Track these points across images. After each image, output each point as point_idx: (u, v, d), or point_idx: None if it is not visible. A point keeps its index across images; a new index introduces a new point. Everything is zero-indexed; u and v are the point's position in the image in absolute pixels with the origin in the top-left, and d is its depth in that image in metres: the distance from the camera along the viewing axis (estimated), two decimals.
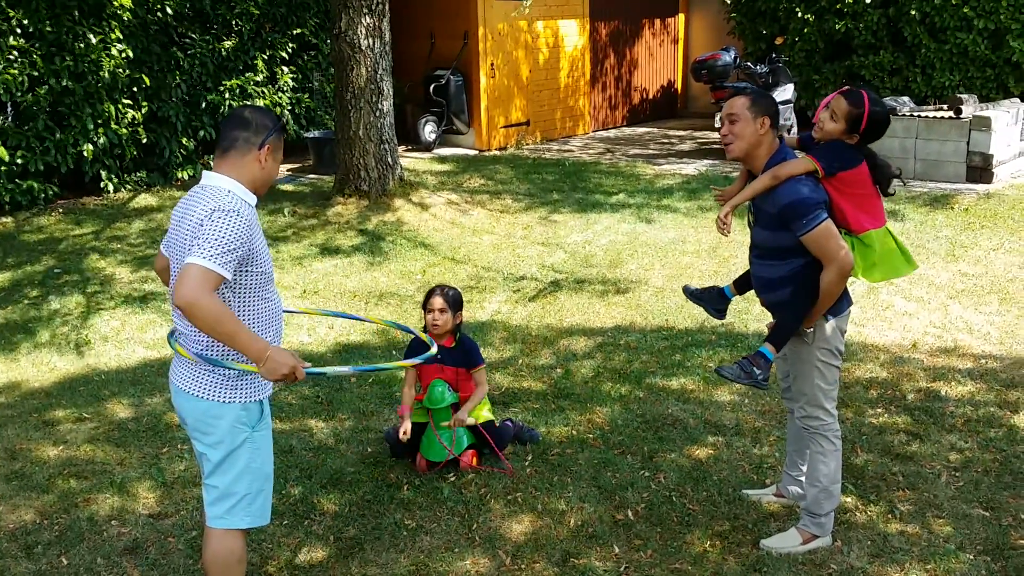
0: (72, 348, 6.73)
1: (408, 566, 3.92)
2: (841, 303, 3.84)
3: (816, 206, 3.65)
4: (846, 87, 3.88)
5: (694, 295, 4.41)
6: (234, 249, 3.02)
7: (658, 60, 17.10)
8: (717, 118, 12.63)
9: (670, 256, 8.47)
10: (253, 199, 3.25)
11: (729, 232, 3.79)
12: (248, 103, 2.97)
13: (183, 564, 3.97)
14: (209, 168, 3.28)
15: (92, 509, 4.44)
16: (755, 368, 3.74)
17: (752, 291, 4.15)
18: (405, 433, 4.67)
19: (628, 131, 15.98)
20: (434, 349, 3.74)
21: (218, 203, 3.07)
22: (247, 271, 3.15)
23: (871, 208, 3.81)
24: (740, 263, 7.19)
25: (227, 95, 11.71)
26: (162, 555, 4.05)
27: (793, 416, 4.20)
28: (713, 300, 4.33)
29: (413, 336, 4.57)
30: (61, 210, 10.17)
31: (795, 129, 13.83)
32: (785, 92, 12.96)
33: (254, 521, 3.32)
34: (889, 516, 4.22)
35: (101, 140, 10.39)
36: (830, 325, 3.83)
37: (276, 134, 3.27)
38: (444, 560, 3.96)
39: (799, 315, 3.79)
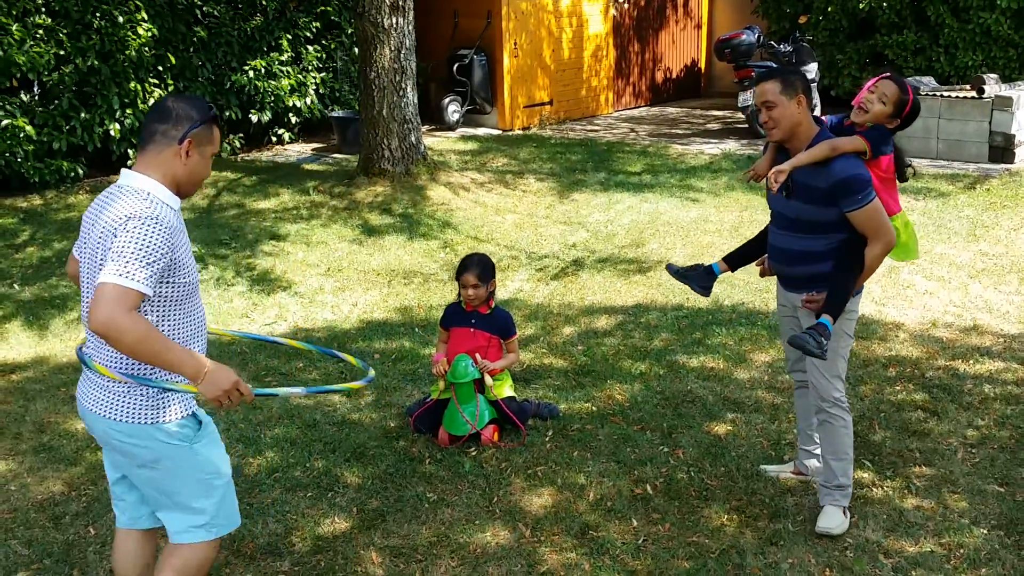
0: None
1: (429, 537, 4.00)
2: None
3: (869, 183, 3.71)
4: (886, 73, 3.93)
5: (679, 273, 4.39)
6: (154, 262, 2.68)
7: (681, 39, 17.02)
8: (740, 97, 12.61)
9: (692, 235, 8.49)
10: (176, 201, 2.90)
11: (777, 187, 3.80)
12: (179, 93, 2.69)
13: None
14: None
15: None
16: (823, 339, 3.72)
17: (743, 267, 4.23)
18: (444, 368, 4.84)
19: (651, 111, 15.94)
20: (371, 374, 3.42)
21: (134, 209, 2.73)
22: (169, 282, 2.81)
23: (894, 192, 3.91)
24: None
25: (252, 74, 11.80)
26: None
27: (800, 391, 4.26)
28: (699, 278, 4.33)
29: (450, 304, 5.10)
30: (89, 188, 10.30)
31: (818, 108, 13.76)
32: (808, 72, 12.88)
33: (223, 529, 3.07)
34: (905, 491, 4.26)
35: (128, 120, 10.50)
36: (853, 299, 3.90)
37: (202, 126, 2.89)
38: (465, 532, 4.04)
39: (850, 285, 3.81)
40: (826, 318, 3.77)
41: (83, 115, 10.11)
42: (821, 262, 3.85)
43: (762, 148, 4.14)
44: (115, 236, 2.70)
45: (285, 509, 4.24)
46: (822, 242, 3.82)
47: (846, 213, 3.72)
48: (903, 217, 3.96)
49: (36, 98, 10.01)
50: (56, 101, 10.05)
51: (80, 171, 10.25)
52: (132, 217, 2.71)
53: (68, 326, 6.83)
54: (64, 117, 10.02)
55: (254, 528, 4.09)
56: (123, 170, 2.90)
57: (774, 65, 12.52)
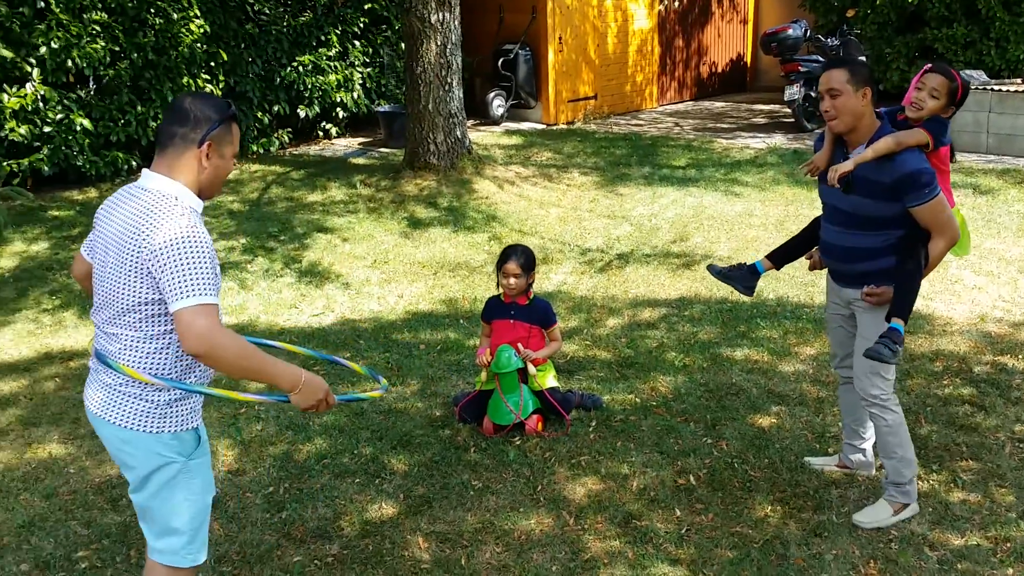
0: None
1: (475, 524, 4.07)
2: None
3: (934, 177, 3.65)
4: (929, 64, 3.89)
5: (721, 274, 4.32)
6: (212, 268, 2.68)
7: (727, 33, 16.92)
8: (786, 92, 12.52)
9: (736, 229, 8.47)
10: (200, 204, 2.85)
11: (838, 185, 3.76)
12: (194, 91, 2.57)
13: (260, 518, 4.17)
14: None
15: None
16: (898, 345, 3.67)
17: (788, 263, 4.20)
18: (487, 358, 4.93)
19: (696, 105, 15.88)
20: (384, 381, 3.40)
21: (173, 230, 2.66)
22: None
23: (947, 186, 3.87)
24: None
25: (300, 70, 11.95)
26: (240, 509, 4.26)
27: (844, 387, 4.24)
28: (743, 278, 4.26)
29: (489, 298, 5.18)
30: None
31: None
32: None
33: (194, 559, 2.99)
34: (951, 485, 4.25)
35: None
36: None
37: (220, 126, 2.83)
38: (509, 519, 4.10)
39: (916, 283, 3.75)
40: (897, 322, 3.69)
41: (139, 109, 10.33)
42: (878, 258, 3.79)
43: (814, 141, 4.09)
44: (162, 261, 2.64)
45: (334, 494, 4.34)
46: (880, 238, 3.76)
47: (910, 208, 3.66)
48: (957, 212, 3.92)
49: (92, 93, 10.23)
50: (113, 96, 10.27)
51: (134, 163, 10.47)
52: (176, 241, 2.65)
53: None
54: (120, 111, 10.24)
55: (304, 512, 4.18)
56: (144, 171, 2.85)
57: (821, 60, 12.41)
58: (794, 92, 12.33)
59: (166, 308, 2.73)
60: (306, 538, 4.01)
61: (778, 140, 12.16)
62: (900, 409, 3.97)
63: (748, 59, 17.50)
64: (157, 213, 2.70)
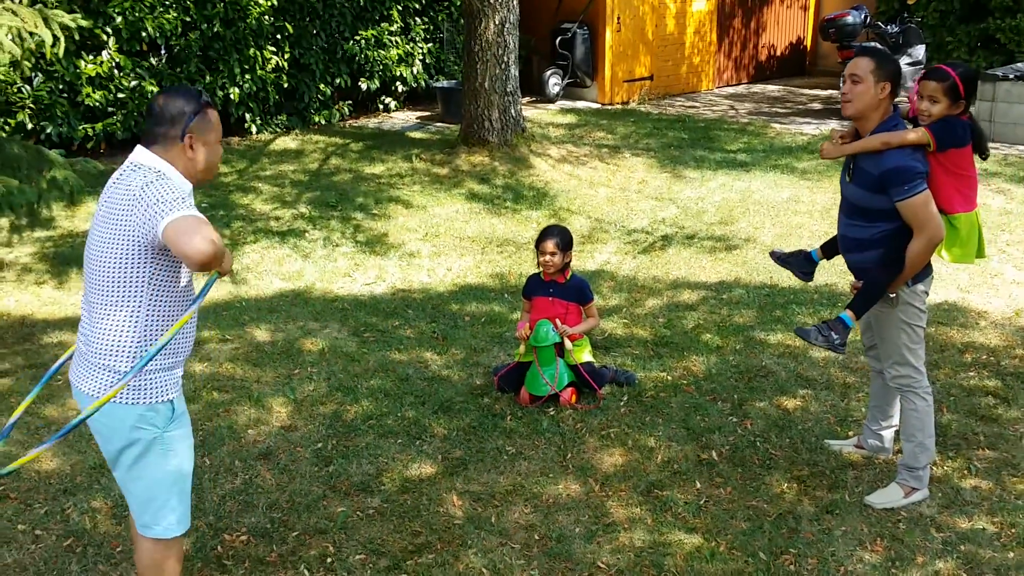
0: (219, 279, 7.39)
1: (506, 486, 4.35)
2: (924, 269, 3.98)
3: (918, 175, 3.77)
4: (922, 72, 3.99)
5: (781, 259, 4.56)
6: (185, 198, 2.81)
7: (787, 17, 16.85)
8: (842, 79, 12.50)
9: (782, 216, 8.60)
10: (189, 185, 2.99)
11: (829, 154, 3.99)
12: (165, 88, 2.69)
13: (309, 471, 4.50)
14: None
15: (232, 419, 5.02)
16: (833, 333, 3.92)
17: (839, 255, 4.35)
18: (526, 332, 5.20)
19: (753, 88, 15.88)
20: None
21: (147, 177, 2.85)
22: (172, 257, 2.90)
23: (968, 189, 3.94)
24: None
25: (362, 43, 12.26)
26: (291, 462, 4.59)
27: (875, 373, 4.43)
28: (800, 264, 4.48)
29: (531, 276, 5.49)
30: None
31: None
32: (916, 54, 12.71)
33: (179, 528, 3.10)
34: (965, 472, 4.42)
35: (247, 84, 11.08)
36: (913, 289, 3.99)
37: (196, 118, 2.94)
38: (539, 483, 4.38)
39: (883, 282, 3.92)
40: (846, 313, 3.92)
41: (207, 79, 10.72)
42: (868, 250, 3.96)
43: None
44: (141, 202, 2.77)
45: (377, 453, 4.65)
46: (869, 230, 3.93)
47: (895, 203, 3.81)
48: (971, 217, 3.98)
49: (164, 62, 10.65)
50: (183, 65, 10.67)
51: None
52: (149, 182, 2.80)
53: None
54: (189, 80, 10.64)
55: (349, 467, 4.50)
56: (139, 147, 2.97)
57: (879, 47, 12.38)
58: None
59: (139, 276, 2.86)
60: (350, 491, 4.33)
61: (833, 126, 12.17)
62: (931, 398, 4.14)
63: (808, 43, 17.41)
64: (146, 181, 2.83)
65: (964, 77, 3.85)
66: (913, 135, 3.83)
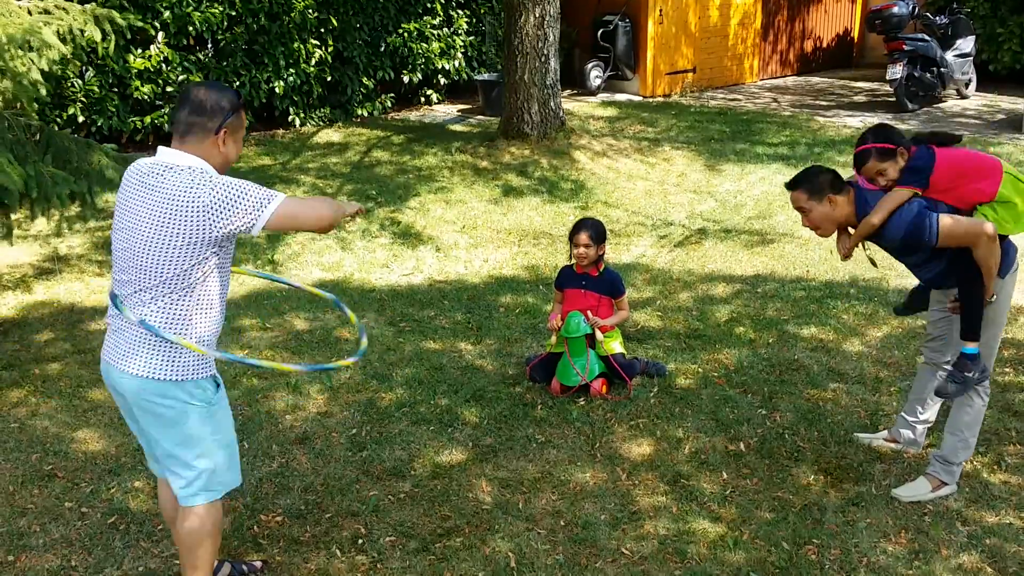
0: (264, 267, 7.56)
1: (535, 473, 4.43)
2: (1005, 261, 3.90)
3: (922, 216, 3.75)
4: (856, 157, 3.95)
5: (909, 309, 4.56)
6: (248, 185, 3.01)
7: (834, 8, 16.68)
8: (889, 71, 12.38)
9: None
10: None
11: (846, 252, 4.00)
12: (205, 82, 2.79)
13: (343, 455, 4.61)
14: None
15: (270, 404, 5.16)
16: (966, 373, 3.88)
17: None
18: (558, 323, 5.28)
19: (797, 80, 15.75)
20: (363, 347, 3.65)
21: (215, 182, 2.97)
22: (225, 248, 3.09)
23: (977, 172, 3.85)
24: None
25: (405, 36, 12.38)
26: (327, 447, 4.71)
27: (926, 365, 4.39)
28: (919, 301, 4.46)
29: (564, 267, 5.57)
30: (254, 141, 11.12)
31: (974, 84, 13.35)
32: (965, 45, 12.54)
33: (226, 487, 3.31)
34: (995, 467, 4.42)
35: (291, 78, 11.26)
36: (1003, 281, 3.94)
37: (234, 115, 3.10)
38: (567, 471, 4.45)
39: (977, 293, 3.85)
40: (968, 346, 3.87)
41: (252, 72, 10.91)
42: (946, 279, 3.96)
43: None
44: (219, 205, 2.92)
45: (410, 439, 4.76)
46: (933, 269, 3.93)
47: (932, 247, 3.80)
48: (1009, 180, 3.85)
49: (210, 56, 10.85)
50: (229, 59, 10.87)
51: (247, 124, 11.07)
52: (224, 183, 2.96)
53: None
54: (235, 74, 10.84)
55: (382, 453, 4.61)
56: (164, 149, 3.09)
57: (927, 38, 12.23)
58: (896, 71, 12.18)
59: (193, 277, 3.03)
60: (383, 475, 4.44)
61: (878, 120, 12.06)
62: (988, 398, 4.13)
63: (855, 35, 17.22)
64: (200, 181, 2.96)
65: (877, 138, 3.87)
66: (897, 197, 3.81)
